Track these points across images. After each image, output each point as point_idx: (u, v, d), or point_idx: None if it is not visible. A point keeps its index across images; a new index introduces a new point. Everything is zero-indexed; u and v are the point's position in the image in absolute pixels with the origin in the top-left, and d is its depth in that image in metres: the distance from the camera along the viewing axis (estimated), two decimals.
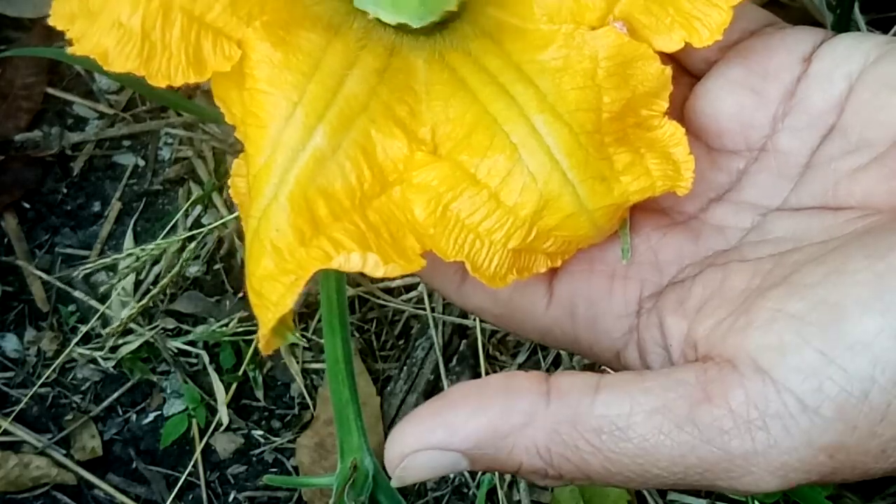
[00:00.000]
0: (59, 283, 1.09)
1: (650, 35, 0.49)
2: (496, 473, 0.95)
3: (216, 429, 1.05)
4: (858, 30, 0.82)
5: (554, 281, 0.53)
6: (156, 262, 1.05)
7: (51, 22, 0.49)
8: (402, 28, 0.53)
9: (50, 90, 1.14)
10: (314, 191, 0.48)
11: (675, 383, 0.46)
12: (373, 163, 0.49)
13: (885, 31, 0.90)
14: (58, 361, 1.06)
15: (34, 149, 1.12)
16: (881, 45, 0.51)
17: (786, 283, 0.46)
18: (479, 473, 1.01)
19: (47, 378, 1.06)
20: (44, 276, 1.09)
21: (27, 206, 1.11)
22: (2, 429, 1.04)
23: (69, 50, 0.48)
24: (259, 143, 0.48)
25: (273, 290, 0.48)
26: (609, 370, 0.52)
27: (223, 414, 1.05)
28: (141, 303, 1.03)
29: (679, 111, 0.54)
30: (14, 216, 1.11)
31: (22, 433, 1.05)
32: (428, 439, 0.47)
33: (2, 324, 1.08)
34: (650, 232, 0.53)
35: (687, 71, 0.55)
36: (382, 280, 1.03)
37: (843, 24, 0.81)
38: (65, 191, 1.12)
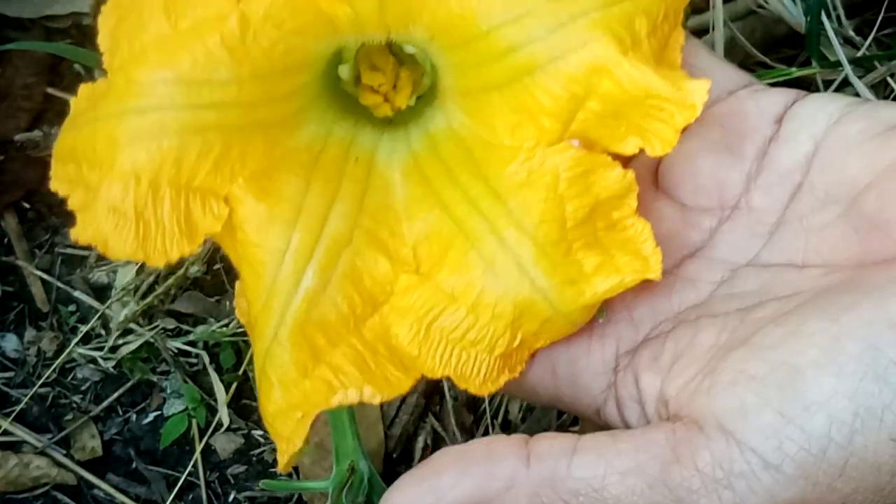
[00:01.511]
0: (59, 283, 1.09)
1: (607, 143, 0.50)
2: None
3: (216, 429, 1.05)
4: (829, 38, 0.82)
5: None
6: None
7: (52, 186, 0.53)
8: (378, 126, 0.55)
9: (50, 90, 1.13)
10: (311, 326, 0.52)
11: (646, 444, 0.48)
12: (362, 290, 0.52)
13: (867, 34, 0.90)
14: (58, 361, 1.06)
15: (34, 149, 1.11)
16: (843, 107, 0.53)
17: (747, 345, 0.48)
18: None
19: (47, 378, 1.06)
20: (44, 276, 1.09)
21: (27, 206, 1.11)
22: (2, 429, 1.04)
23: (72, 235, 0.52)
24: (256, 290, 0.52)
25: (284, 426, 0.51)
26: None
27: (223, 414, 1.05)
28: (145, 301, 1.03)
29: (654, 169, 0.55)
30: (14, 216, 1.10)
31: (22, 433, 1.05)
32: None
33: (2, 324, 1.08)
34: None
35: None
36: None
37: (814, 31, 0.83)
38: None
